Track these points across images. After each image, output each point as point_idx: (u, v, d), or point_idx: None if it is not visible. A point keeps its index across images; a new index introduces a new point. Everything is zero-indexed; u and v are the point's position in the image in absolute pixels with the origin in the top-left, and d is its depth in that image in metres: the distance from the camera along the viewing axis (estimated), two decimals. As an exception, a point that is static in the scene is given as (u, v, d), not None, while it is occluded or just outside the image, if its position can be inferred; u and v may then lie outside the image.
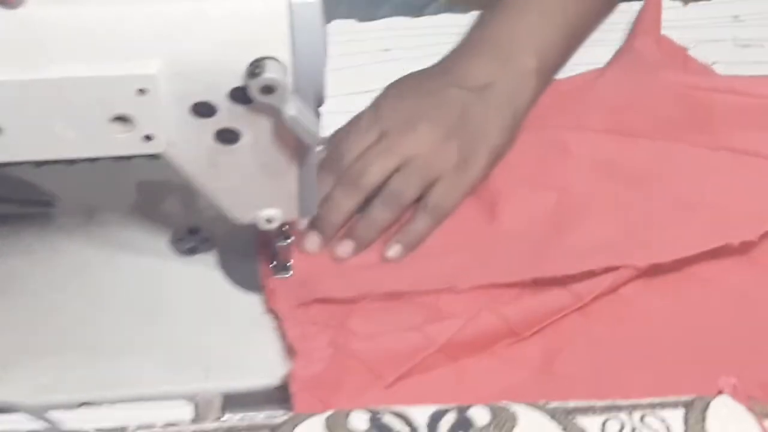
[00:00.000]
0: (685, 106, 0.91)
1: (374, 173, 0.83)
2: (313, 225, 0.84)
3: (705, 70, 0.97)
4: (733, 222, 0.83)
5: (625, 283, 0.81)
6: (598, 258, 0.80)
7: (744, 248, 0.82)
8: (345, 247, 0.83)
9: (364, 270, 0.83)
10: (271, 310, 0.80)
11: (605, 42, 1.01)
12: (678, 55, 0.98)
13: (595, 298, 0.80)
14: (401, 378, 0.75)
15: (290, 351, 0.77)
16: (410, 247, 0.84)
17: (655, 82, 0.93)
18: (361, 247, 0.84)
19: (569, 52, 0.95)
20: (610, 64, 0.98)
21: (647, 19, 1.00)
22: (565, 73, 0.97)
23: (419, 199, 0.85)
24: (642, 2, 1.04)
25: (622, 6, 1.04)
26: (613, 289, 0.80)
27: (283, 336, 0.78)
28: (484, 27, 0.93)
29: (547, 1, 0.93)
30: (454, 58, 0.92)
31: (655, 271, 0.81)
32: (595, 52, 1.00)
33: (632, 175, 0.87)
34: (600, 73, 0.97)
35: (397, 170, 0.84)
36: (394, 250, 0.83)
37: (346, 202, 0.83)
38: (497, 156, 0.87)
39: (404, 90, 0.89)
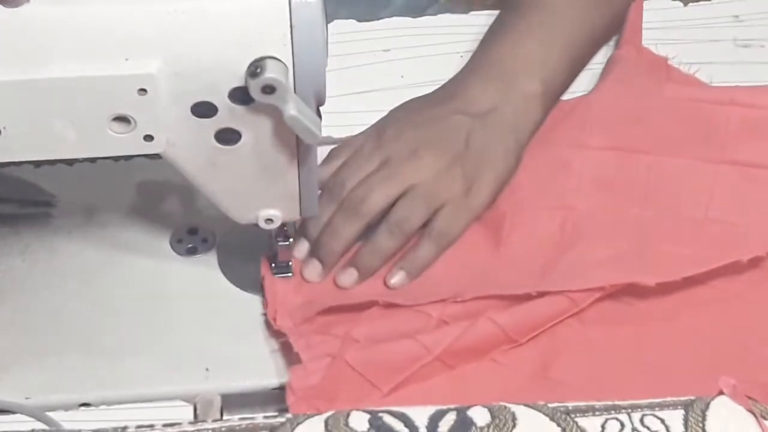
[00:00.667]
0: (687, 120, 0.90)
1: (376, 200, 0.82)
2: (314, 253, 0.83)
3: (689, 79, 0.96)
4: (740, 236, 0.83)
5: (622, 288, 0.81)
6: (606, 275, 0.80)
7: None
8: (348, 276, 0.82)
9: (367, 290, 0.82)
10: (277, 332, 0.79)
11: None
12: (660, 66, 0.97)
13: (592, 303, 0.79)
14: (398, 387, 0.75)
15: (294, 360, 0.77)
16: (414, 275, 0.83)
17: (655, 97, 0.93)
18: (365, 275, 0.82)
19: (574, 75, 0.94)
20: (602, 76, 0.97)
21: (630, 28, 1.00)
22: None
23: (423, 227, 0.84)
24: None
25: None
26: (610, 294, 0.80)
27: (287, 346, 0.78)
28: (487, 51, 0.92)
29: (551, 24, 0.92)
30: (458, 83, 0.90)
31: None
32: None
33: (636, 191, 0.87)
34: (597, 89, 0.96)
35: (399, 198, 0.82)
36: (397, 278, 0.82)
37: (347, 230, 0.82)
38: (503, 182, 0.86)
39: (407, 116, 0.88)
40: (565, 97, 0.94)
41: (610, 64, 0.97)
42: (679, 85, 0.94)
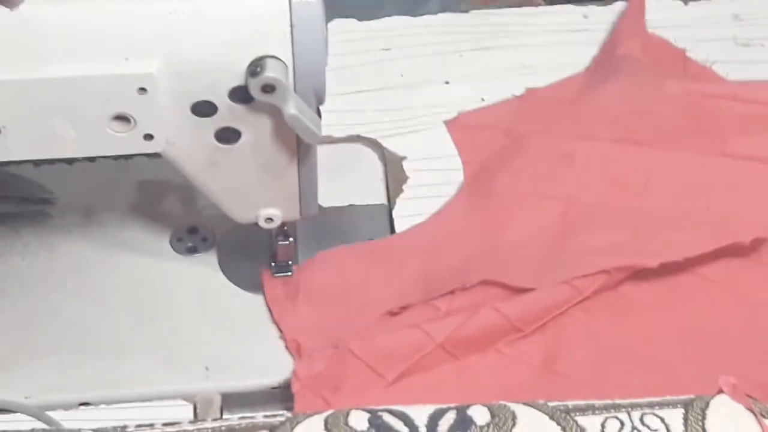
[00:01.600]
0: (690, 114, 0.91)
1: None
2: None
3: (705, 72, 0.97)
4: (741, 225, 0.83)
5: (626, 277, 0.81)
6: (607, 259, 0.80)
7: (747, 250, 0.83)
8: None
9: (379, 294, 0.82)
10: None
11: (589, 42, 1.01)
12: (677, 57, 0.97)
13: (597, 297, 0.80)
14: (403, 376, 0.75)
15: (294, 351, 0.77)
16: None
17: (659, 91, 0.93)
18: None
19: None
20: (610, 70, 0.97)
21: (630, 22, 1.00)
22: (551, 74, 0.97)
23: None
24: (624, 2, 1.04)
25: (605, 7, 1.04)
26: (615, 284, 0.80)
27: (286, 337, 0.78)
28: None
29: None
30: None
31: (657, 270, 0.81)
32: (579, 51, 1.00)
33: (638, 184, 0.87)
34: (591, 78, 0.97)
35: None
36: None
37: None
38: None
39: None
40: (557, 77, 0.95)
41: (616, 59, 0.97)
42: (682, 80, 0.94)
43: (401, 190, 0.89)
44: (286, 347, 0.78)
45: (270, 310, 0.81)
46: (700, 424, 0.68)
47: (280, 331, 0.80)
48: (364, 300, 0.82)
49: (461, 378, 0.76)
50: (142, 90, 0.66)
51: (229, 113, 0.69)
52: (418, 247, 0.85)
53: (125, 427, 0.68)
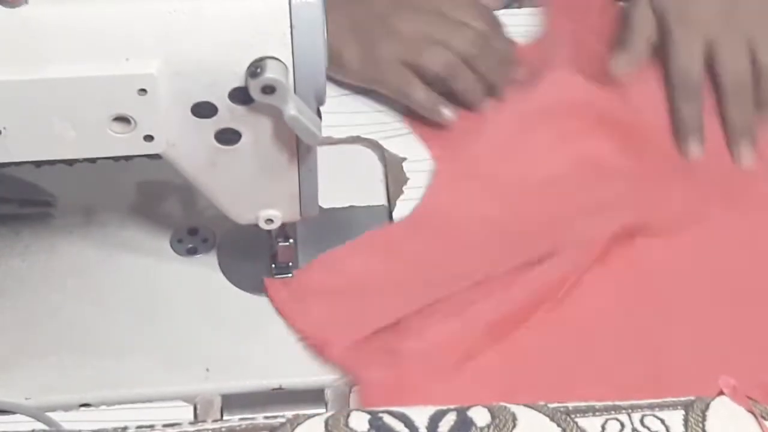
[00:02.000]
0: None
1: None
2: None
3: None
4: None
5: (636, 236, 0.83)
6: (617, 213, 0.83)
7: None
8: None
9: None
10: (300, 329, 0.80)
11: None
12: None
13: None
14: (456, 368, 0.75)
15: (317, 346, 0.77)
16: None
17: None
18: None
19: None
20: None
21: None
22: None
23: None
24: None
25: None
26: (628, 237, 0.82)
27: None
28: None
29: None
30: None
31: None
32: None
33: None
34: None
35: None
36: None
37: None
38: None
39: None
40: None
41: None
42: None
43: (401, 191, 0.89)
44: (305, 346, 0.78)
45: (282, 316, 0.80)
46: (701, 425, 0.68)
47: (298, 332, 0.79)
48: (372, 289, 0.82)
49: (505, 363, 0.76)
50: (143, 91, 0.66)
51: (229, 114, 0.69)
52: (416, 231, 0.85)
53: (125, 428, 0.69)
